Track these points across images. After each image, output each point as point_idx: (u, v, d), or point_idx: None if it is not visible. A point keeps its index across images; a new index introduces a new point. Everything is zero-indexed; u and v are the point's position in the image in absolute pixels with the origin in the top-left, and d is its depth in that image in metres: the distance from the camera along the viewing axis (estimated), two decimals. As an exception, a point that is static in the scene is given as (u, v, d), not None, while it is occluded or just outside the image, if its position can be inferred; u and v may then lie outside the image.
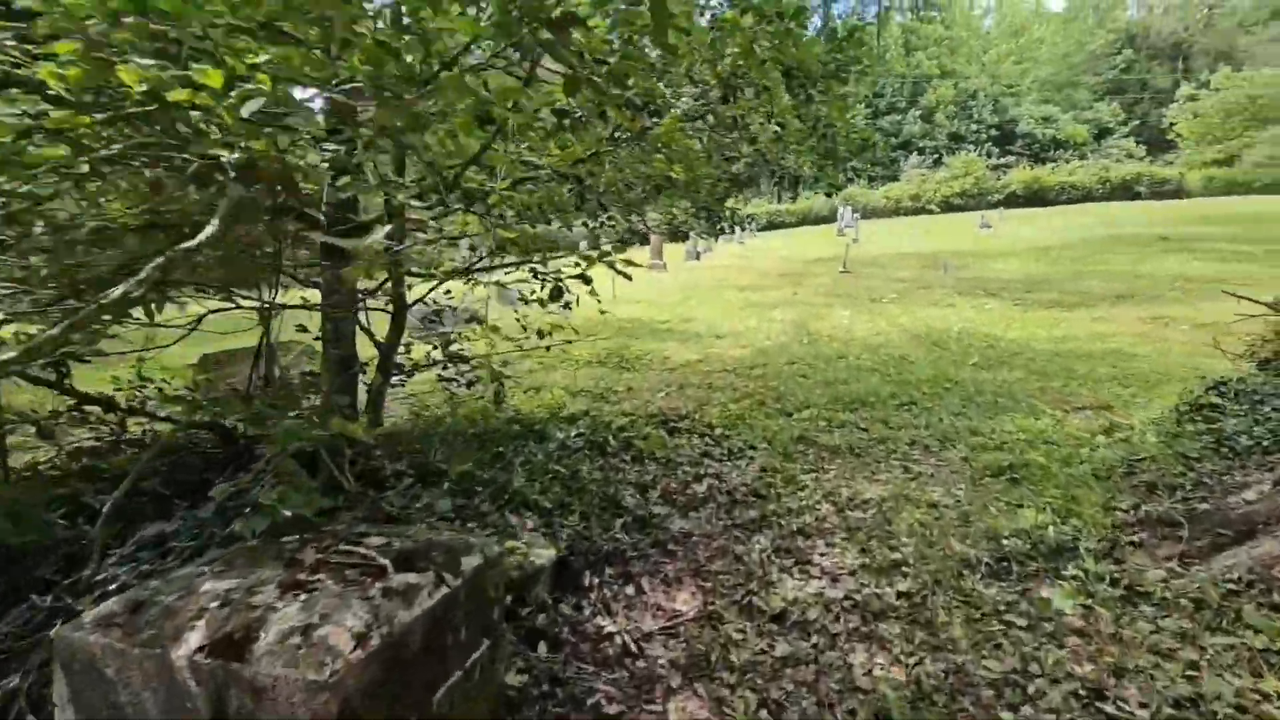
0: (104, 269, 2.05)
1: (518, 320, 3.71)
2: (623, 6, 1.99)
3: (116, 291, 1.23)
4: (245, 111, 1.18)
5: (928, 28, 56.12)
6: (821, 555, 3.04)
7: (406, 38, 1.66)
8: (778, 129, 3.68)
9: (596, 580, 2.78)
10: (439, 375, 3.61)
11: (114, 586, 1.87)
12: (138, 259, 2.00)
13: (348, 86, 1.40)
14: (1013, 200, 35.27)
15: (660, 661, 2.35)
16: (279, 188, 1.85)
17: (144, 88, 1.29)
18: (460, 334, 3.60)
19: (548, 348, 3.63)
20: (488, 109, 1.46)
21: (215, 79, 1.16)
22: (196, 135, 1.31)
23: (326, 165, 2.07)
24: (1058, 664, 2.16)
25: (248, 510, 2.05)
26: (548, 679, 2.20)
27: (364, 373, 3.29)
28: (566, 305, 3.12)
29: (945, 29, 56.47)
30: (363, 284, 3.18)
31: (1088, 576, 2.60)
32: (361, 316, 3.13)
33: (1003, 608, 2.51)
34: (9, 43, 1.46)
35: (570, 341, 4.05)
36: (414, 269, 2.88)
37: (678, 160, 3.06)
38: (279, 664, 1.35)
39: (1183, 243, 16.24)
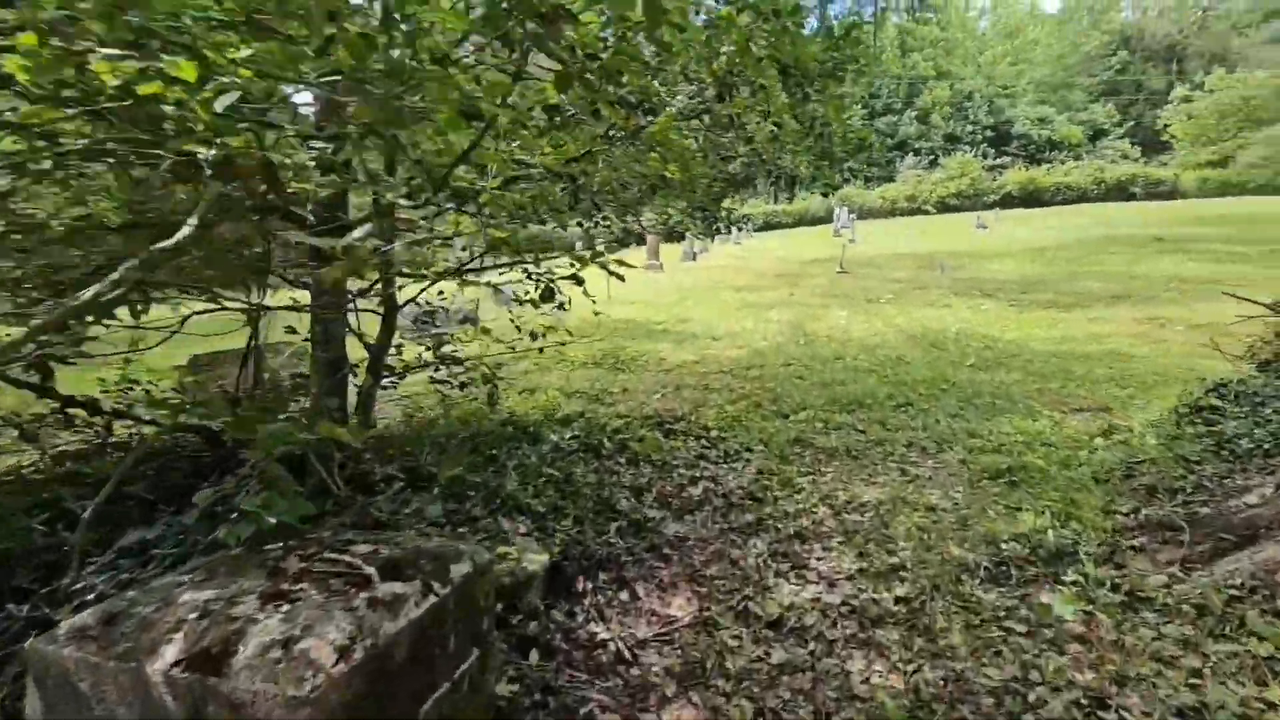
0: (83, 269, 1.99)
1: (512, 321, 3.66)
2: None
3: (88, 293, 1.18)
4: (219, 106, 1.13)
5: (923, 29, 56.16)
6: (818, 559, 3.00)
7: (395, 33, 1.62)
8: (774, 128, 3.64)
9: (590, 585, 2.74)
10: (431, 377, 3.56)
11: (92, 596, 1.81)
12: (120, 259, 1.94)
13: (324, 80, 1.36)
14: (1008, 201, 35.37)
15: (655, 669, 2.31)
16: (263, 186, 1.80)
17: (118, 81, 1.24)
18: (453, 335, 3.55)
19: (540, 350, 3.58)
20: (474, 105, 1.42)
21: (189, 72, 1.12)
22: (175, 131, 1.27)
23: (314, 164, 2.03)
24: (1058, 671, 2.12)
25: (234, 516, 2.00)
26: (540, 688, 2.15)
27: (355, 375, 3.24)
28: (561, 306, 3.08)
29: (941, 30, 56.54)
30: (353, 285, 3.13)
31: (1088, 582, 2.56)
32: (351, 318, 3.08)
33: (1002, 613, 2.47)
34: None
35: (564, 344, 4.00)
36: (404, 269, 2.83)
37: (673, 159, 3.02)
38: (258, 678, 1.31)
39: (1178, 243, 16.28)
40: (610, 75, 1.89)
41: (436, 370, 3.48)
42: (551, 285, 2.45)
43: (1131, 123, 49.24)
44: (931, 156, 46.06)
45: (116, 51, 1.12)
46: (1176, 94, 42.48)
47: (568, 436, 4.11)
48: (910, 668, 2.24)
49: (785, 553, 3.05)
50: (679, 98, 3.25)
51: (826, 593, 2.73)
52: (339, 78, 1.31)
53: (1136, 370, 6.12)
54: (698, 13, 3.07)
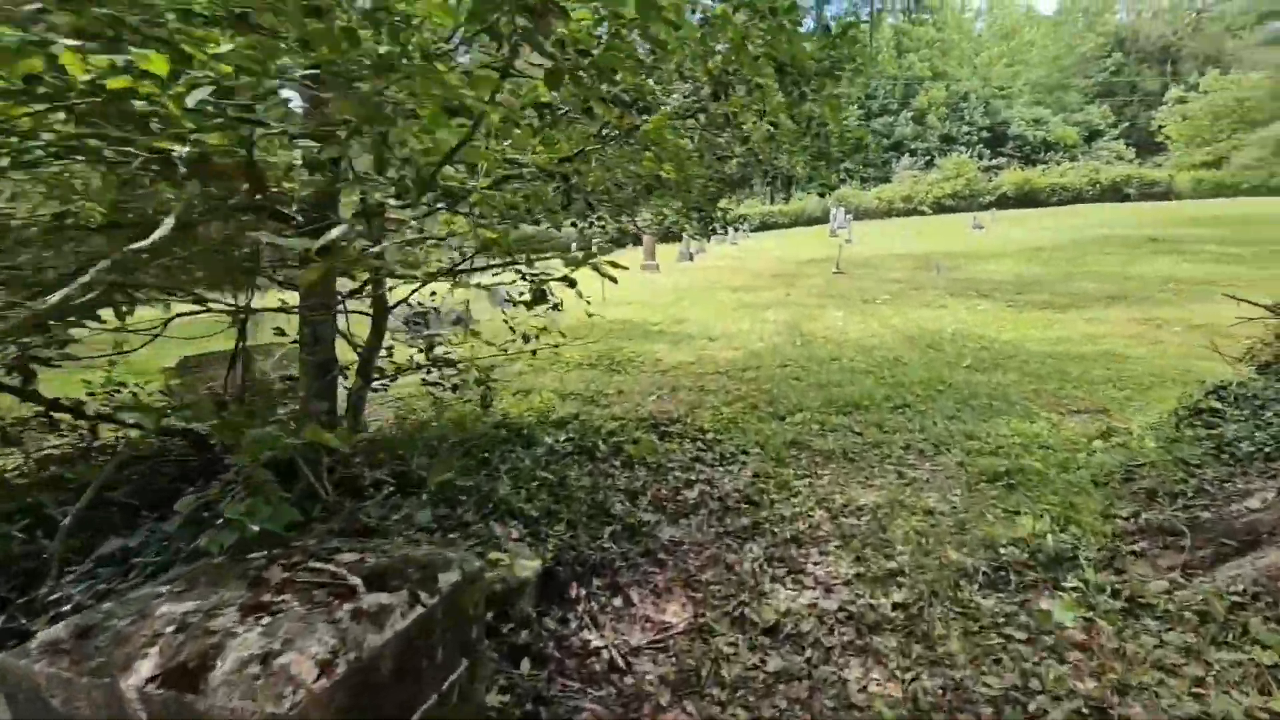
0: (62, 270, 1.94)
1: (505, 322, 3.61)
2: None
3: (55, 297, 1.13)
4: (190, 101, 1.09)
5: (920, 30, 56.22)
6: (815, 564, 2.96)
7: (380, 28, 1.57)
8: (771, 128, 3.60)
9: (583, 592, 2.70)
10: (423, 379, 3.51)
11: (68, 607, 1.76)
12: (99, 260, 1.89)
13: (300, 74, 1.31)
14: (1004, 201, 35.44)
15: (649, 677, 2.27)
16: (246, 185, 1.76)
17: (89, 75, 1.20)
18: (447, 338, 3.51)
19: (534, 352, 3.54)
20: (459, 101, 1.37)
21: (159, 65, 1.07)
22: (148, 128, 1.22)
23: (300, 162, 1.98)
24: (1059, 680, 2.09)
25: (219, 522, 1.95)
26: (531, 698, 2.11)
27: (345, 377, 3.19)
28: (555, 307, 3.03)
29: (937, 31, 56.63)
30: (343, 286, 3.08)
31: (1088, 588, 2.53)
32: (342, 319, 3.03)
33: (1001, 620, 2.44)
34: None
35: (557, 346, 3.96)
36: (395, 270, 2.77)
37: (668, 159, 2.97)
38: (236, 695, 1.26)
39: (1172, 244, 16.30)
40: (603, 73, 1.85)
41: (428, 373, 3.43)
42: (543, 288, 2.41)
43: (1126, 124, 49.40)
44: (927, 157, 46.12)
45: (74, 43, 1.07)
46: (1171, 95, 42.62)
47: (562, 439, 4.06)
48: (908, 676, 2.20)
49: (781, 557, 3.02)
50: (674, 96, 3.21)
51: (823, 598, 2.69)
52: (316, 71, 1.26)
53: (1133, 371, 6.10)
54: (694, 11, 3.03)
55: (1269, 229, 18.01)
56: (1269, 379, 3.71)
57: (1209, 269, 12.60)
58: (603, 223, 4.05)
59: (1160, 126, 42.47)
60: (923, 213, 36.47)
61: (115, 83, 1.08)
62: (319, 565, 1.71)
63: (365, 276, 3.00)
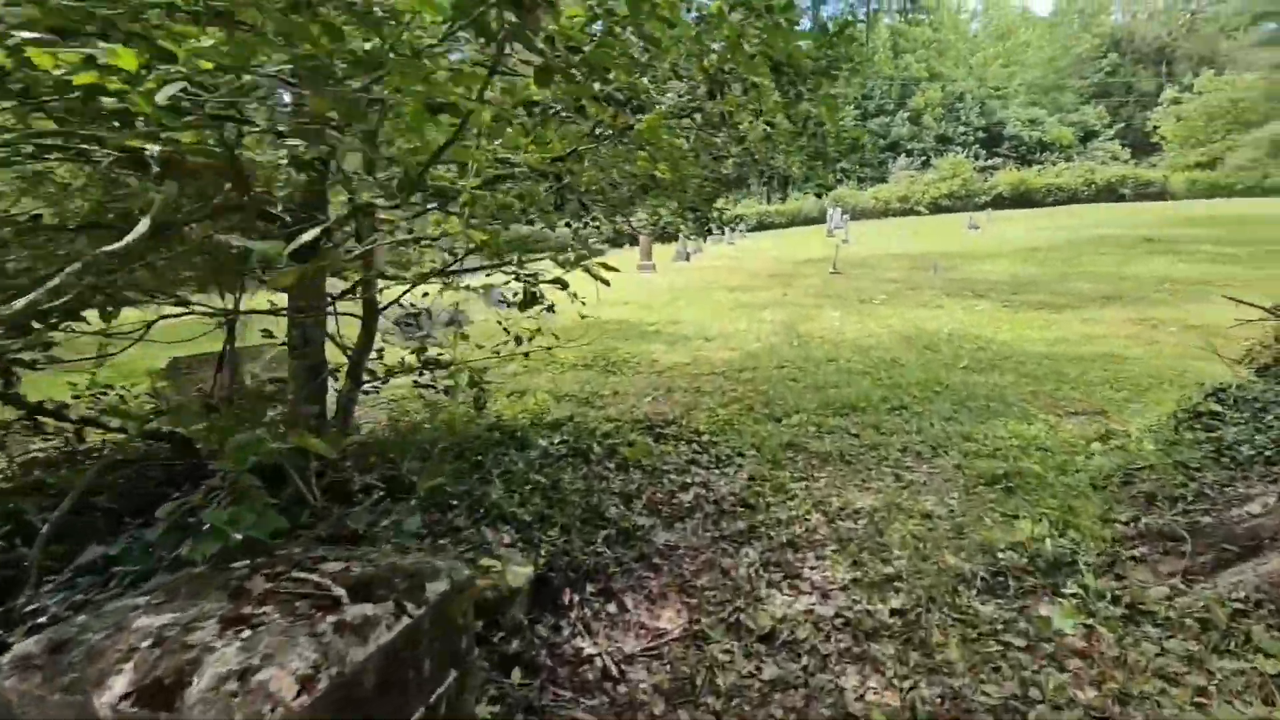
0: (41, 271, 1.89)
1: (500, 323, 3.57)
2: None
3: (20, 303, 1.09)
4: (160, 98, 1.04)
5: (916, 30, 56.37)
6: (812, 569, 2.93)
7: (368, 24, 1.52)
8: (767, 127, 3.56)
9: (576, 598, 2.65)
10: (415, 381, 3.46)
11: (44, 619, 1.71)
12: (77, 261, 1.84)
13: (275, 71, 1.27)
14: (1000, 202, 35.55)
15: (642, 686, 2.23)
16: (228, 185, 1.71)
17: (59, 71, 1.15)
18: (440, 340, 3.46)
19: (526, 354, 3.49)
20: (442, 98, 1.33)
21: (128, 60, 1.02)
22: (117, 125, 1.17)
23: (285, 161, 1.93)
24: (1059, 689, 2.05)
25: (205, 528, 1.90)
26: (522, 708, 2.07)
27: (335, 379, 3.14)
28: (550, 309, 2.98)
29: (933, 32, 56.76)
30: (333, 287, 3.03)
31: (1088, 593, 2.50)
32: (332, 321, 2.98)
33: (1000, 627, 2.40)
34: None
35: (550, 348, 3.91)
36: (385, 272, 2.73)
37: (662, 159, 2.93)
38: (212, 713, 1.21)
39: (1167, 244, 16.34)
40: (595, 70, 1.81)
41: (420, 375, 3.39)
42: (533, 291, 2.36)
43: (1121, 124, 49.58)
44: (924, 157, 46.21)
45: (31, 35, 1.02)
46: (1166, 96, 42.82)
47: (556, 441, 4.02)
48: (906, 684, 2.17)
49: (778, 562, 2.98)
50: (669, 95, 3.17)
51: (820, 604, 2.65)
52: (291, 67, 1.21)
53: (1131, 372, 6.08)
54: (689, 9, 2.99)
55: (1263, 229, 18.08)
56: (1269, 381, 3.69)
57: (1204, 269, 12.62)
58: (597, 223, 4.00)
59: (1155, 127, 42.66)
60: (919, 213, 36.52)
61: (82, 78, 1.04)
62: (303, 575, 1.67)
63: (356, 277, 2.96)
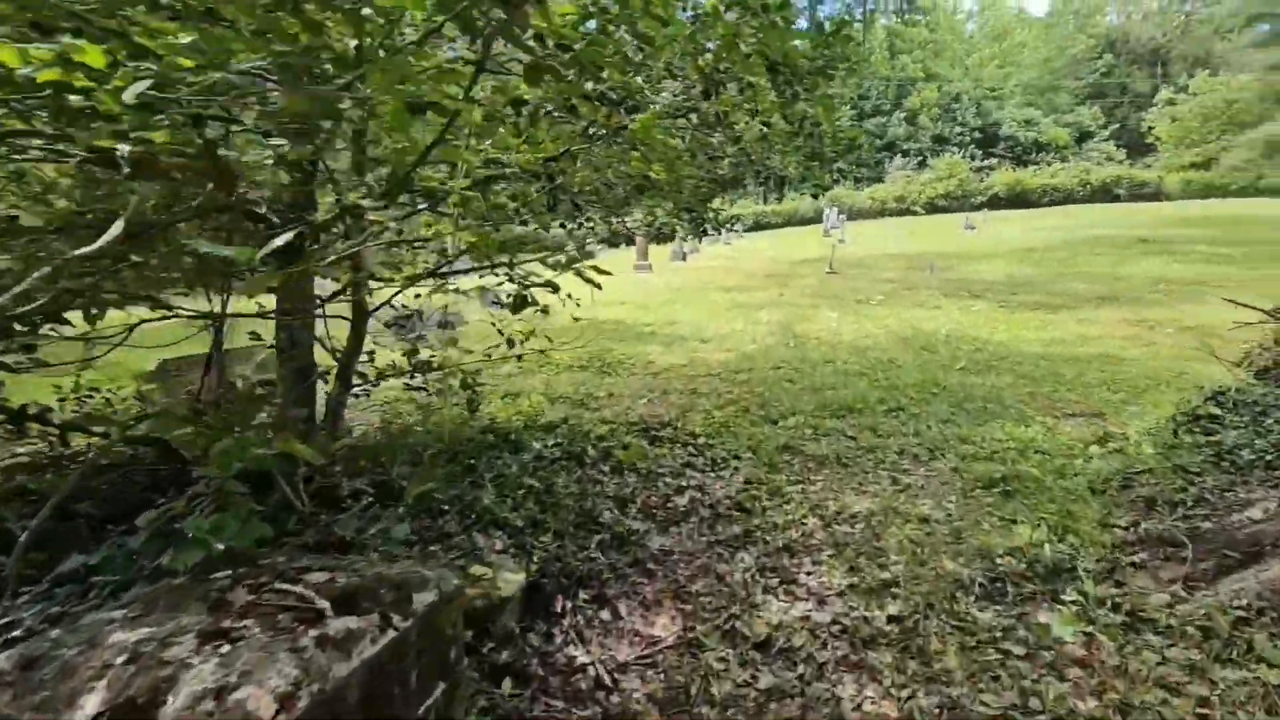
0: (15, 273, 1.84)
1: (493, 324, 3.52)
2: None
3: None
4: (128, 96, 1.00)
5: (912, 31, 56.45)
6: (808, 574, 2.89)
7: (358, 26, 1.48)
8: (763, 127, 3.53)
9: (569, 605, 2.61)
10: (406, 383, 3.42)
11: (19, 632, 1.66)
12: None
13: (249, 68, 1.22)
14: (996, 202, 35.58)
15: (636, 695, 2.19)
16: (210, 185, 1.66)
17: (27, 69, 1.10)
18: (430, 341, 3.41)
19: (519, 357, 3.45)
20: (423, 96, 1.29)
21: (95, 57, 0.98)
22: (85, 123, 1.13)
23: (270, 161, 1.89)
24: (1059, 699, 2.02)
25: (190, 537, 1.85)
26: (513, 719, 2.03)
27: (325, 382, 3.09)
28: (545, 310, 2.94)
29: (930, 32, 56.83)
30: (321, 289, 2.99)
31: (1087, 600, 2.46)
32: (321, 324, 2.94)
33: (999, 634, 2.37)
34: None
35: (543, 351, 3.87)
36: (375, 273, 2.69)
37: (657, 159, 2.89)
38: (187, 734, 1.17)
39: (1162, 245, 16.36)
40: (586, 69, 1.76)
41: (412, 377, 3.34)
42: (525, 294, 2.32)
43: (1116, 125, 49.73)
44: (920, 158, 46.22)
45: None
46: (1160, 97, 42.94)
47: (550, 444, 3.97)
48: (904, 693, 2.13)
49: (774, 567, 2.94)
50: (664, 95, 3.13)
51: (816, 611, 2.62)
52: (267, 63, 1.17)
53: (1128, 373, 6.06)
54: (684, 8, 2.95)
55: (1258, 229, 18.13)
56: (1269, 384, 3.66)
57: (1199, 269, 12.64)
58: (592, 224, 3.96)
59: (1150, 128, 42.78)
60: (915, 213, 36.54)
61: (45, 75, 0.99)
62: (285, 587, 1.62)
63: (346, 279, 2.91)
